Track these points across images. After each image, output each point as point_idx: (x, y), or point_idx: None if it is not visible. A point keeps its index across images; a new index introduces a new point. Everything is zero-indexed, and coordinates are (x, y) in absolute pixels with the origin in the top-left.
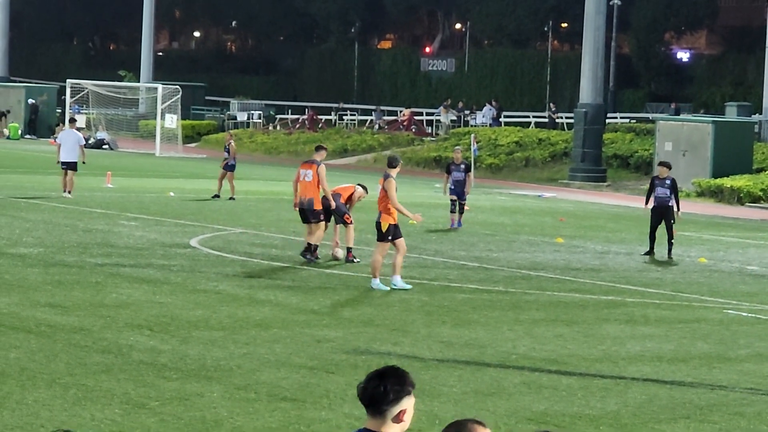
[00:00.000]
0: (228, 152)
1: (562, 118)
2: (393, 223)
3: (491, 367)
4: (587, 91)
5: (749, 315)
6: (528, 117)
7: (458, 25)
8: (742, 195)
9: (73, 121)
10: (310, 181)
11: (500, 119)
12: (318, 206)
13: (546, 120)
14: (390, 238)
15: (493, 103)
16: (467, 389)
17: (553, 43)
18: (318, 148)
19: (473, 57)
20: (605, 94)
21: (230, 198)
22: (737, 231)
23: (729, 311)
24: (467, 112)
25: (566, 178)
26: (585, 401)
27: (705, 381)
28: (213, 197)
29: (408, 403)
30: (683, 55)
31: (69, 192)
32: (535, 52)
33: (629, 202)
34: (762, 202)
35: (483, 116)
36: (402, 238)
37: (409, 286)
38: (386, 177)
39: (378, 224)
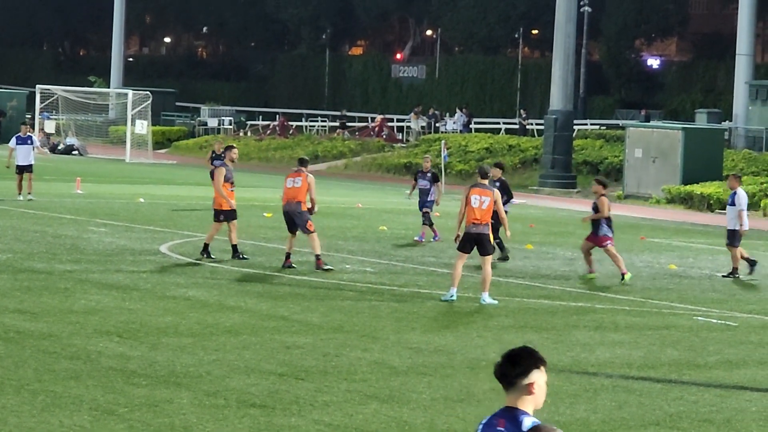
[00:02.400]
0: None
1: (532, 124)
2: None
3: (461, 373)
4: (557, 98)
5: (719, 322)
6: (498, 123)
7: (429, 32)
8: (712, 202)
9: (24, 124)
10: (299, 186)
11: (470, 126)
12: (304, 208)
13: (517, 126)
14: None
15: (464, 109)
16: (437, 395)
17: (523, 50)
18: (302, 161)
19: (444, 63)
20: (575, 100)
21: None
22: (707, 238)
23: (698, 318)
24: (439, 115)
25: (536, 185)
26: (554, 408)
27: (674, 388)
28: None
29: (537, 377)
30: (653, 62)
31: (30, 193)
32: (505, 59)
33: None
34: None
35: (454, 123)
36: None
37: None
38: (492, 189)
39: (484, 236)
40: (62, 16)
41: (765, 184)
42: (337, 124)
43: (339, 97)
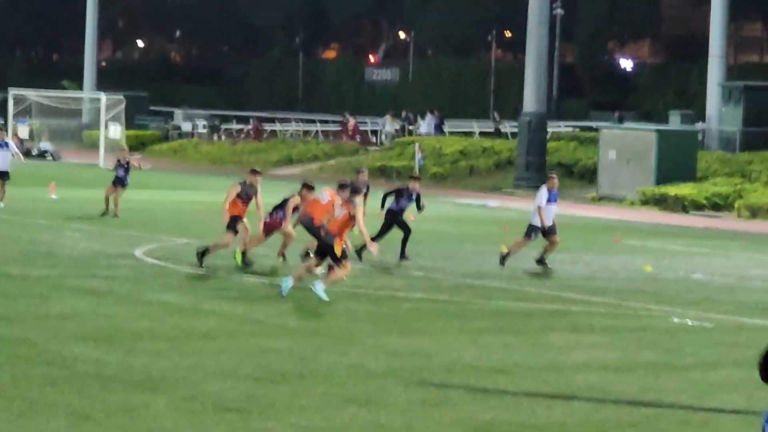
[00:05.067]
0: (126, 170)
1: (506, 126)
2: None
3: (437, 376)
4: (531, 100)
5: (695, 323)
6: (472, 126)
7: (402, 35)
8: (686, 203)
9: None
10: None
11: (443, 128)
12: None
13: (491, 129)
14: None
15: (435, 112)
16: (413, 399)
17: (496, 53)
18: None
19: (417, 66)
20: (549, 103)
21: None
22: (682, 239)
23: (674, 319)
24: (412, 118)
25: (511, 187)
26: (531, 411)
27: (651, 390)
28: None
29: None
30: (626, 64)
31: (1, 200)
32: (478, 62)
33: (573, 210)
34: (706, 210)
35: (427, 125)
36: None
37: None
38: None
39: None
40: (35, 20)
41: (739, 185)
42: (317, 127)
43: (313, 101)
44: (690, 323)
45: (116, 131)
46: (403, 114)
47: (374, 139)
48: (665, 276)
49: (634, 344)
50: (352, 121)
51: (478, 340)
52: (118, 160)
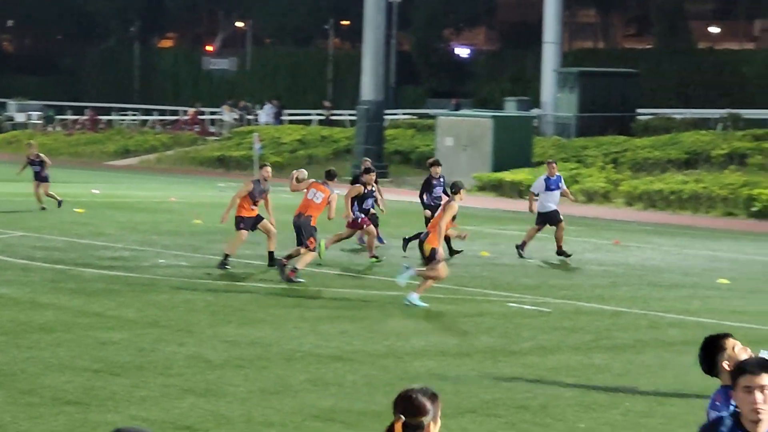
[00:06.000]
0: (40, 164)
1: (341, 115)
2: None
3: (277, 365)
4: (369, 89)
5: (532, 308)
6: (310, 115)
7: (240, 24)
8: (522, 189)
9: None
10: (318, 202)
11: (281, 117)
12: (313, 223)
13: (323, 118)
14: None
15: (274, 101)
16: (253, 388)
17: (334, 41)
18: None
19: (255, 55)
20: (387, 91)
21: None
22: (518, 224)
23: (512, 304)
24: (250, 107)
25: (349, 175)
26: (370, 397)
27: (490, 375)
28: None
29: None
30: (463, 52)
31: None
32: (317, 50)
33: (411, 197)
34: None
35: (266, 114)
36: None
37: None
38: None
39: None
40: None
41: (574, 170)
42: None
43: (149, 91)
44: (528, 308)
45: None
46: (241, 104)
47: (213, 129)
48: (502, 261)
49: (472, 329)
50: (191, 111)
51: (317, 328)
52: (28, 157)
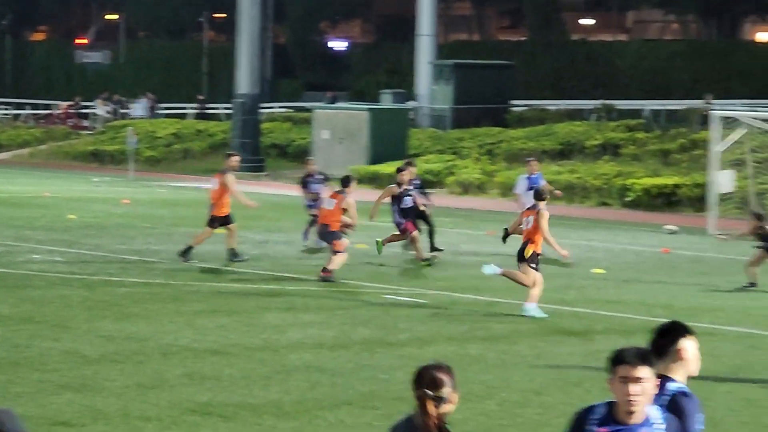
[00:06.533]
0: None
1: (220, 109)
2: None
3: (153, 359)
4: (244, 82)
5: (408, 299)
6: (185, 109)
7: (114, 16)
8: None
9: None
10: (331, 209)
11: (156, 111)
12: (334, 228)
13: (197, 111)
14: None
15: (148, 95)
16: (129, 382)
17: (209, 34)
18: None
19: (129, 49)
20: (263, 84)
21: None
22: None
23: (388, 296)
24: (124, 101)
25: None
26: (247, 390)
27: (366, 366)
28: None
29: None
30: (339, 45)
31: None
32: (191, 43)
33: (288, 190)
34: None
35: (141, 108)
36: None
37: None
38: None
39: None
40: None
41: (450, 162)
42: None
43: (21, 84)
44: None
45: None
46: (115, 97)
47: (86, 123)
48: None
49: (349, 322)
50: (63, 105)
51: (194, 323)
52: None
